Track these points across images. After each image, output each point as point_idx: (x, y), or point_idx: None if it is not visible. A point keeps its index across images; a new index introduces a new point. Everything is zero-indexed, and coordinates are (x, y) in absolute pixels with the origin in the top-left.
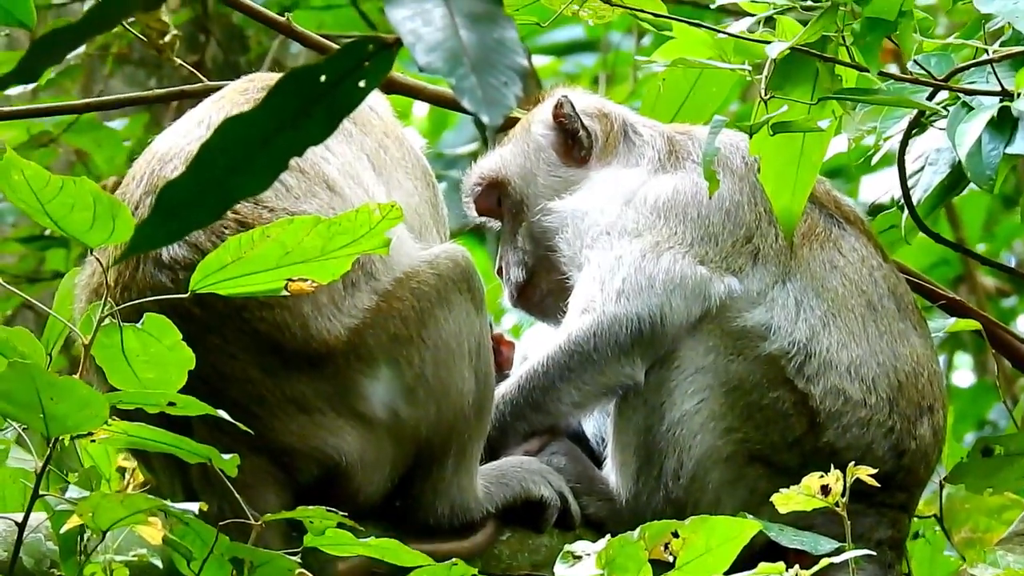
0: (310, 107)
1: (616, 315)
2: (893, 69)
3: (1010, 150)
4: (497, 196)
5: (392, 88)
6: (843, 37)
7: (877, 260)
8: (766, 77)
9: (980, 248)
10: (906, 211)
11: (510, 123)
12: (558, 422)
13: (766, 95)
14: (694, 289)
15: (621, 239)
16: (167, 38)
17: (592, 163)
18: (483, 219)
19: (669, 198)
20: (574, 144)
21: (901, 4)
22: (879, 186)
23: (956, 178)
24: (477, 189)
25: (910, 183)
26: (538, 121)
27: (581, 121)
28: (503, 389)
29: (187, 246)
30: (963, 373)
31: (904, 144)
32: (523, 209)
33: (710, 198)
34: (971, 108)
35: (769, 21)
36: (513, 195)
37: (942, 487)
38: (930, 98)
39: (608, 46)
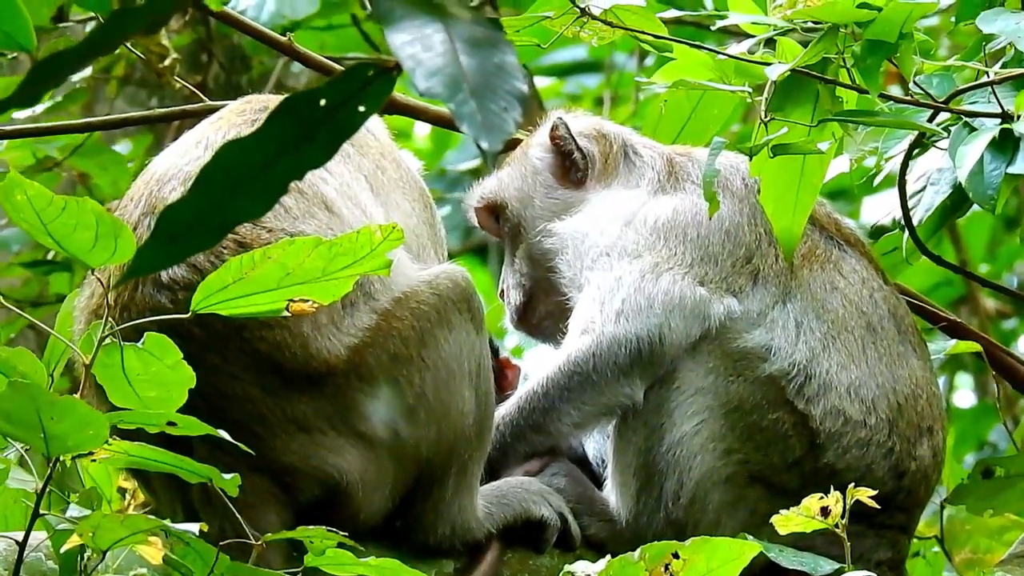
0: (310, 131)
1: (615, 336)
2: (896, 91)
3: (1012, 170)
4: (496, 217)
5: (394, 108)
6: (844, 59)
7: (877, 282)
8: (766, 99)
9: (982, 269)
10: (907, 232)
11: (512, 144)
12: (558, 443)
13: (766, 117)
14: (693, 310)
15: (621, 260)
16: (167, 62)
17: (591, 184)
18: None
19: (669, 219)
20: (571, 166)
21: (902, 26)
22: (881, 207)
23: (958, 198)
24: (477, 210)
25: (911, 203)
26: (535, 144)
27: (576, 143)
28: (503, 410)
29: (186, 267)
30: (964, 394)
31: (905, 165)
32: (520, 231)
33: (710, 219)
34: (973, 129)
35: (770, 43)
36: (511, 217)
37: (943, 508)
38: (931, 119)
39: (612, 67)
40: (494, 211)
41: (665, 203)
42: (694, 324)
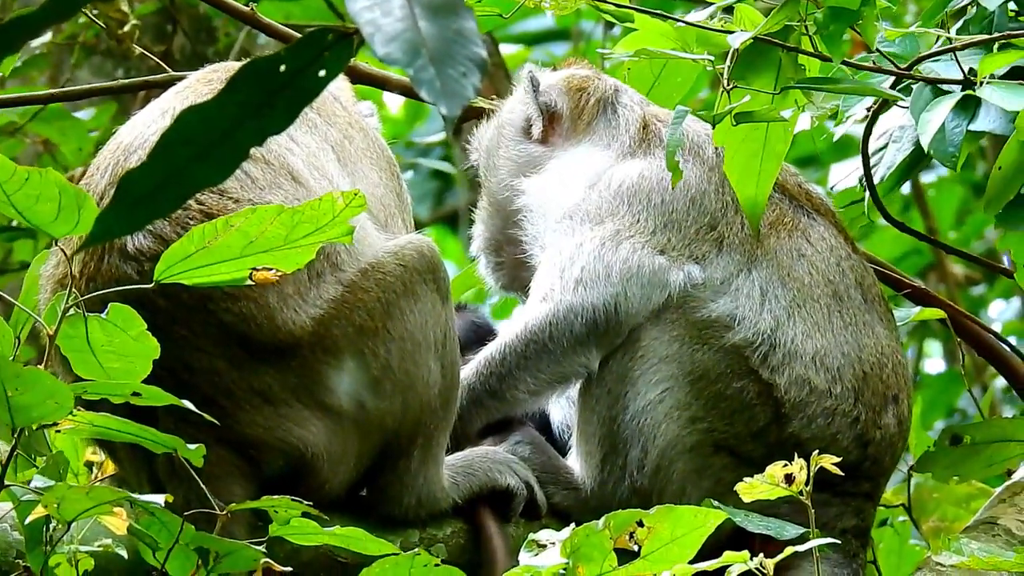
0: (271, 97)
1: (572, 305)
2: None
3: (973, 127)
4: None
5: (360, 78)
6: (806, 27)
7: (846, 251)
8: (729, 67)
9: (951, 237)
10: (868, 193)
11: (474, 112)
12: (514, 410)
13: (729, 85)
14: (651, 278)
15: (583, 225)
16: (126, 28)
17: (558, 141)
18: None
19: (634, 183)
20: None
21: None
22: (849, 173)
23: (918, 155)
24: (467, 152)
25: (873, 161)
26: (513, 97)
27: (536, 98)
28: (462, 374)
29: (152, 237)
30: (934, 361)
31: (868, 131)
32: (484, 178)
33: (673, 187)
34: (937, 91)
35: (730, 10)
36: (476, 164)
37: (910, 476)
38: (894, 85)
39: (579, 35)
40: (473, 158)
41: (632, 167)
42: (652, 292)
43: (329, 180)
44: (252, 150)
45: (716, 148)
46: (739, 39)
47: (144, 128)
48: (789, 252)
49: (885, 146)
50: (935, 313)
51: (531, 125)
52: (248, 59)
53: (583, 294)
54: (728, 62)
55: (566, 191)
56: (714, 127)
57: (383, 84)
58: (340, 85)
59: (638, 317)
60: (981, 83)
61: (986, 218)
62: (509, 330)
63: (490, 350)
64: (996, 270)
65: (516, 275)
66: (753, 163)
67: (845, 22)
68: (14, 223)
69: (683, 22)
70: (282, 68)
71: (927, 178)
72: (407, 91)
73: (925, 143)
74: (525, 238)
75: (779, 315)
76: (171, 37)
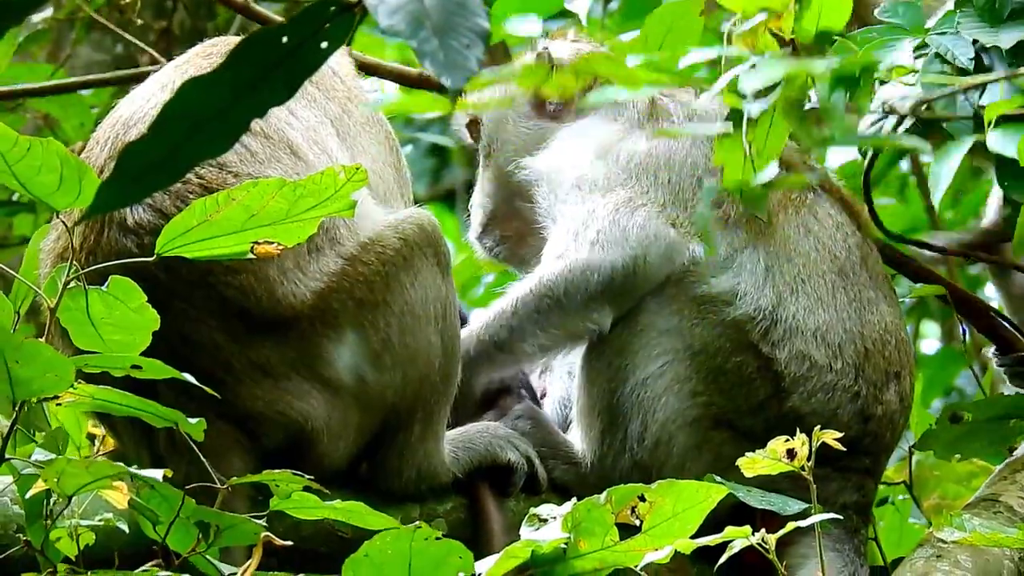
0: (272, 70)
1: (589, 262)
2: None
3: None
4: (476, 135)
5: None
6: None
7: (851, 228)
8: (745, 135)
9: (947, 216)
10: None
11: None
12: (519, 364)
13: (751, 152)
14: (667, 249)
15: (592, 193)
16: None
17: (567, 115)
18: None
19: (643, 159)
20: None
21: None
22: (846, 154)
23: (916, 129)
24: (461, 122)
25: (871, 130)
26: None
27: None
28: (469, 328)
29: (152, 211)
30: (930, 341)
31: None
32: (491, 152)
33: (637, 160)
34: (948, 137)
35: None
36: (483, 136)
37: (911, 454)
38: (897, 126)
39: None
40: (475, 126)
41: (640, 142)
42: (665, 264)
43: (328, 154)
44: (252, 124)
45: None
46: (757, 109)
47: (144, 102)
48: (796, 228)
49: (883, 118)
50: (935, 289)
51: (543, 101)
52: (248, 33)
53: (600, 253)
54: (744, 128)
55: (574, 163)
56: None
57: (375, 71)
58: (340, 60)
59: (652, 283)
60: (989, 124)
61: (981, 197)
62: (521, 285)
63: (501, 303)
64: (993, 263)
65: (516, 251)
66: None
67: (846, 90)
68: (15, 197)
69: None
70: (283, 40)
71: (924, 155)
72: (399, 77)
73: (936, 199)
74: (536, 211)
75: (782, 291)
76: (171, 13)
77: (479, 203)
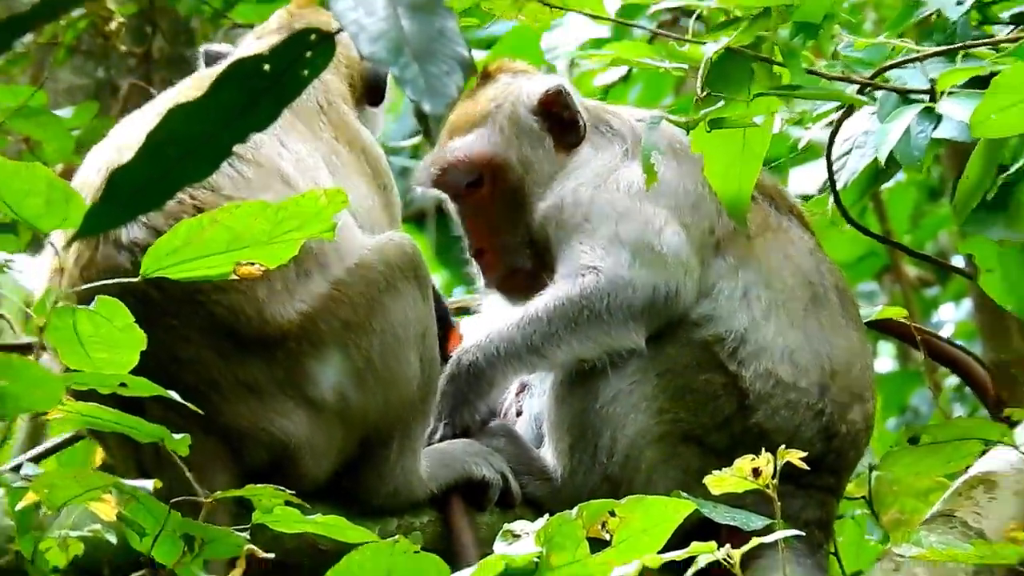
0: (255, 96)
1: (631, 280)
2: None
3: (937, 134)
4: (477, 178)
5: None
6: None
7: (822, 253)
8: (702, 76)
9: (906, 240)
10: (832, 198)
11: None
12: (548, 368)
13: (703, 92)
14: (697, 274)
15: (608, 218)
16: (113, 25)
17: (573, 151)
18: (431, 192)
19: (642, 187)
20: (563, 132)
21: (828, 8)
22: (809, 177)
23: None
24: (459, 167)
25: (836, 166)
26: (525, 109)
27: (579, 112)
28: (495, 327)
29: (146, 228)
30: (884, 360)
31: (832, 138)
32: (518, 194)
33: (647, 190)
34: (902, 98)
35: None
36: (511, 179)
37: (871, 470)
38: (860, 92)
39: None
40: (485, 170)
41: (636, 171)
42: (695, 290)
43: (317, 183)
44: (246, 153)
45: None
46: (712, 48)
47: (140, 129)
48: (776, 253)
49: (849, 152)
50: (897, 312)
51: (562, 135)
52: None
53: (642, 273)
54: (702, 71)
55: (589, 191)
56: (688, 132)
57: None
58: (334, 98)
59: (686, 308)
60: (941, 96)
61: (939, 221)
62: (553, 292)
63: (533, 309)
64: (956, 271)
65: (525, 279)
66: (734, 164)
67: (806, 37)
68: None
69: (659, 33)
70: (266, 68)
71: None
72: None
73: (883, 154)
74: (552, 239)
75: (756, 314)
76: (151, 38)
77: (510, 248)
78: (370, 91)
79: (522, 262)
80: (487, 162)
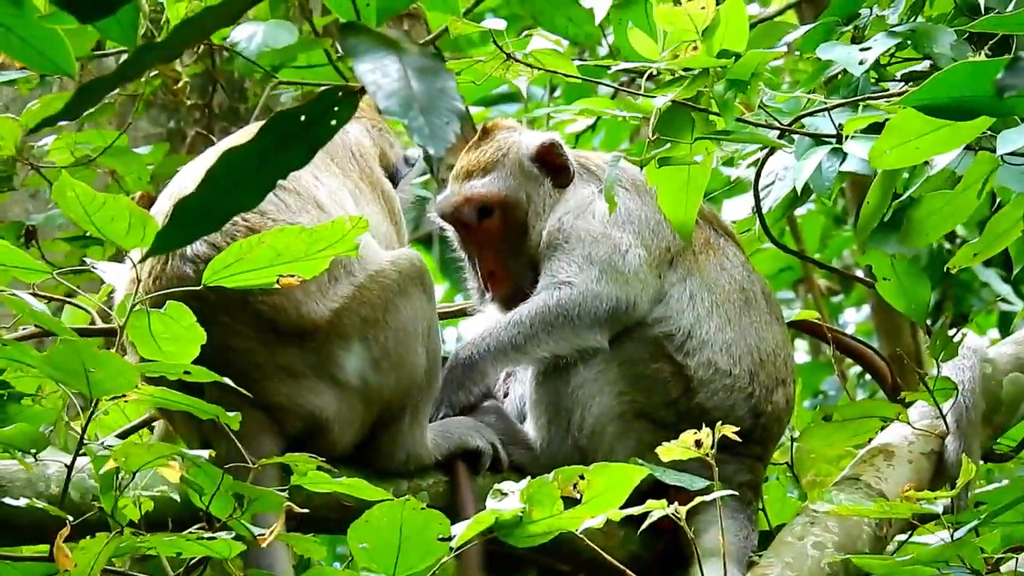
0: (292, 140)
1: (599, 293)
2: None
3: (843, 168)
4: (490, 212)
5: None
6: (712, 93)
7: (750, 266)
8: (653, 123)
9: (817, 256)
10: (759, 222)
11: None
12: (528, 363)
13: (653, 136)
14: (653, 292)
15: (584, 241)
16: (179, 84)
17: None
18: (440, 223)
19: (614, 216)
20: (556, 175)
21: (754, 69)
22: (739, 207)
23: (799, 192)
24: (475, 202)
25: (762, 195)
26: (527, 158)
27: (570, 160)
28: (488, 329)
29: (207, 245)
30: (800, 354)
31: (759, 172)
32: (523, 226)
33: (609, 216)
34: (816, 140)
35: (652, 77)
36: (518, 213)
37: (792, 441)
38: (780, 137)
39: (528, 97)
40: (495, 208)
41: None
42: (652, 303)
43: (344, 210)
44: (282, 182)
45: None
46: (661, 102)
47: (200, 168)
48: (715, 266)
49: (772, 183)
50: (811, 314)
51: (556, 178)
52: (273, 112)
53: (607, 287)
54: (652, 119)
55: (572, 221)
56: (642, 169)
57: None
58: (362, 142)
59: (640, 317)
60: (847, 138)
61: (844, 241)
62: (535, 301)
63: (518, 314)
64: (858, 281)
65: (517, 297)
66: (681, 194)
67: (737, 91)
68: (87, 233)
69: (620, 88)
70: (302, 118)
71: (798, 211)
72: None
73: (800, 184)
74: (544, 260)
75: (700, 314)
76: (211, 94)
77: (518, 270)
78: (389, 175)
79: (525, 281)
80: (501, 199)
